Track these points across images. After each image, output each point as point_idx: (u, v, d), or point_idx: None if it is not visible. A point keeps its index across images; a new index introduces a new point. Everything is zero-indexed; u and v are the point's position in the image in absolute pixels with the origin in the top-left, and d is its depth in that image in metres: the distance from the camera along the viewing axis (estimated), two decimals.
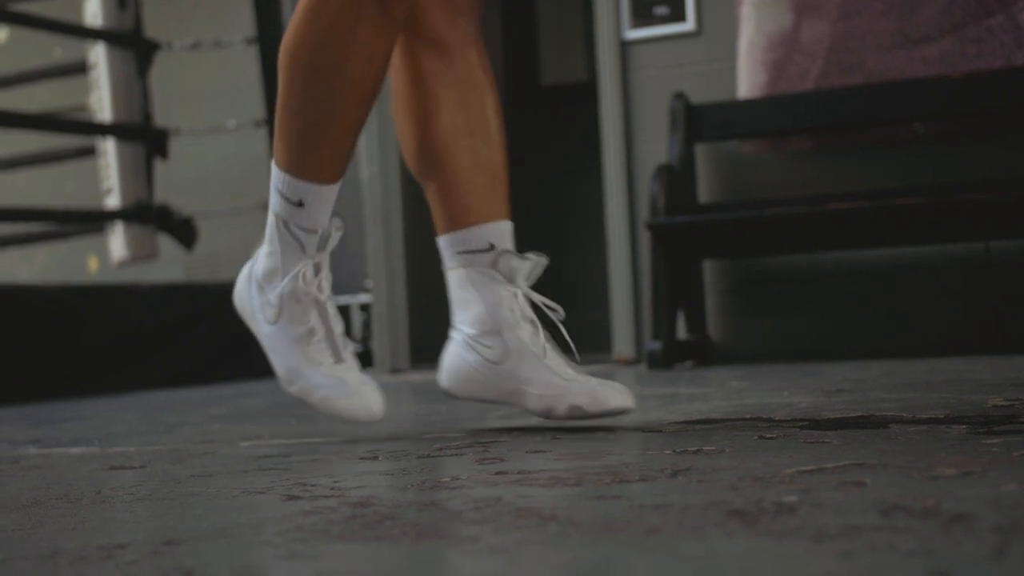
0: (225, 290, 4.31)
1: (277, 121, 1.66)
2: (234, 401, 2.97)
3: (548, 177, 5.01)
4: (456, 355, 1.77)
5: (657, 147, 3.74)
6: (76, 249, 5.32)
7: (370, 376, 1.73)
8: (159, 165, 4.60)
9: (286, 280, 1.66)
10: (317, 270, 1.67)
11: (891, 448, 1.25)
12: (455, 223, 1.75)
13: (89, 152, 4.63)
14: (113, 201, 4.50)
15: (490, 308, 1.71)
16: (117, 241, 4.53)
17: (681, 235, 3.41)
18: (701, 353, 3.53)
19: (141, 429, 2.19)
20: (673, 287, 3.41)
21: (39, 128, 4.50)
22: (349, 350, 1.70)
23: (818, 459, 1.18)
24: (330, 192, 1.66)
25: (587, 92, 4.53)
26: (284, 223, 1.66)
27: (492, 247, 1.72)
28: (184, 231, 4.65)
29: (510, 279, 1.71)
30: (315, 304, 1.67)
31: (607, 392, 1.63)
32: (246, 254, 4.82)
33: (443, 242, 1.77)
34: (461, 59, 1.74)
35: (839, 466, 1.13)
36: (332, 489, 1.17)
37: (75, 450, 1.81)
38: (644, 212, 3.68)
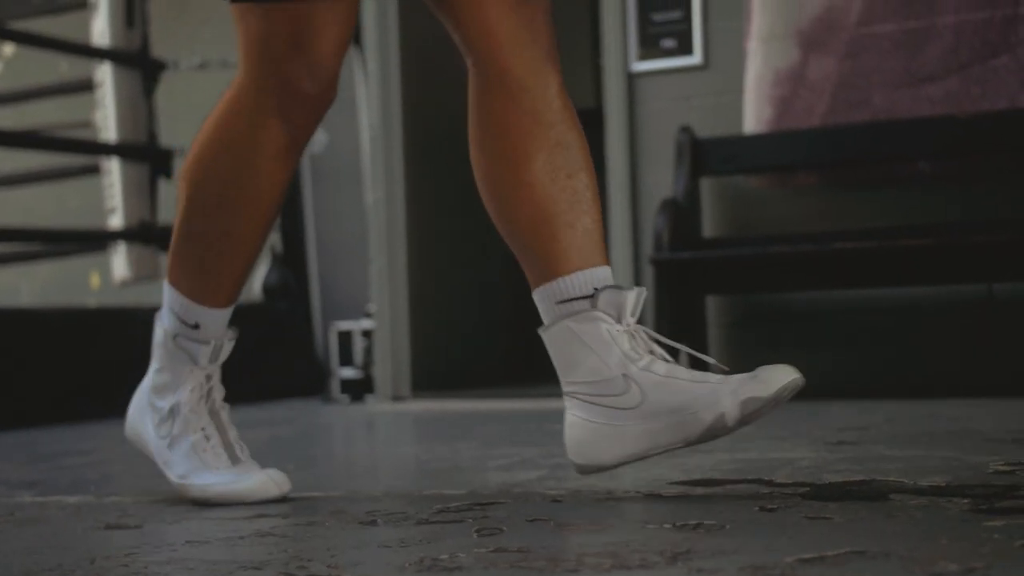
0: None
1: (175, 246, 1.69)
2: None
3: None
4: (580, 423, 1.57)
5: (663, 178, 3.73)
6: (78, 265, 5.31)
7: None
8: (163, 184, 4.60)
9: (179, 392, 1.69)
10: (209, 379, 1.71)
11: (893, 529, 1.24)
12: (555, 270, 1.58)
13: (93, 170, 4.63)
14: (116, 221, 4.50)
15: (604, 352, 1.54)
16: (119, 261, 4.53)
17: (685, 271, 3.40)
18: None
19: (140, 470, 2.18)
20: (676, 322, 3.40)
21: (44, 148, 4.50)
22: (246, 452, 1.71)
23: (819, 543, 1.17)
24: (227, 314, 1.71)
25: (594, 118, 4.52)
26: (173, 338, 1.70)
27: (596, 292, 1.57)
28: None
29: (618, 316, 1.56)
30: (209, 413, 1.70)
31: (769, 373, 1.49)
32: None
33: (541, 294, 1.60)
34: (543, 97, 1.61)
35: (840, 554, 1.12)
36: (329, 567, 1.16)
37: (71, 499, 1.81)
38: (649, 245, 3.66)
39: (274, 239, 4.71)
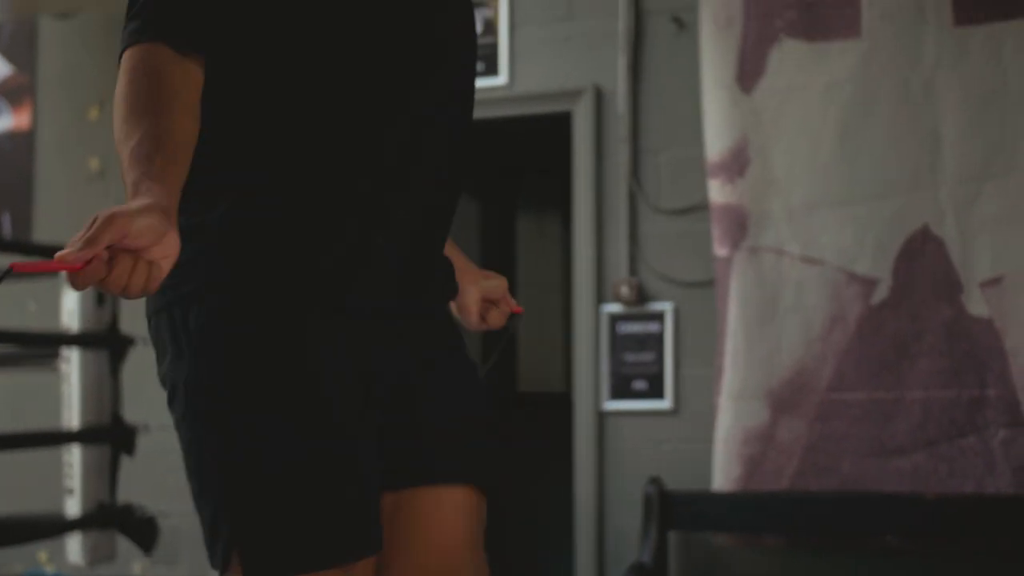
0: None
1: None
2: None
3: (522, 483, 4.98)
4: None
5: (629, 524, 3.71)
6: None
7: None
8: (125, 461, 4.52)
9: None
10: None
11: None
12: None
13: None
14: (73, 506, 4.41)
15: None
16: (74, 546, 4.43)
17: None
18: None
19: None
20: None
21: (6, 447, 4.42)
22: None
23: None
24: None
25: (563, 401, 4.52)
26: None
27: None
28: (145, 533, 4.55)
29: None
30: None
31: None
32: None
33: None
34: None
35: None
36: None
37: None
38: None
39: None
